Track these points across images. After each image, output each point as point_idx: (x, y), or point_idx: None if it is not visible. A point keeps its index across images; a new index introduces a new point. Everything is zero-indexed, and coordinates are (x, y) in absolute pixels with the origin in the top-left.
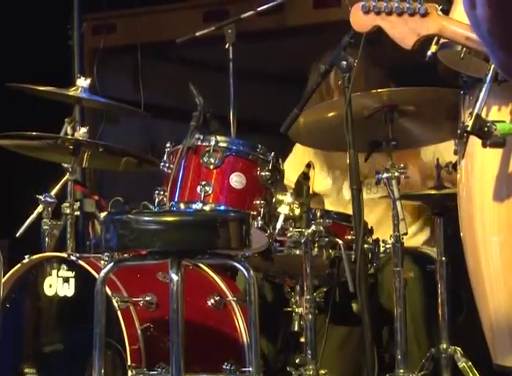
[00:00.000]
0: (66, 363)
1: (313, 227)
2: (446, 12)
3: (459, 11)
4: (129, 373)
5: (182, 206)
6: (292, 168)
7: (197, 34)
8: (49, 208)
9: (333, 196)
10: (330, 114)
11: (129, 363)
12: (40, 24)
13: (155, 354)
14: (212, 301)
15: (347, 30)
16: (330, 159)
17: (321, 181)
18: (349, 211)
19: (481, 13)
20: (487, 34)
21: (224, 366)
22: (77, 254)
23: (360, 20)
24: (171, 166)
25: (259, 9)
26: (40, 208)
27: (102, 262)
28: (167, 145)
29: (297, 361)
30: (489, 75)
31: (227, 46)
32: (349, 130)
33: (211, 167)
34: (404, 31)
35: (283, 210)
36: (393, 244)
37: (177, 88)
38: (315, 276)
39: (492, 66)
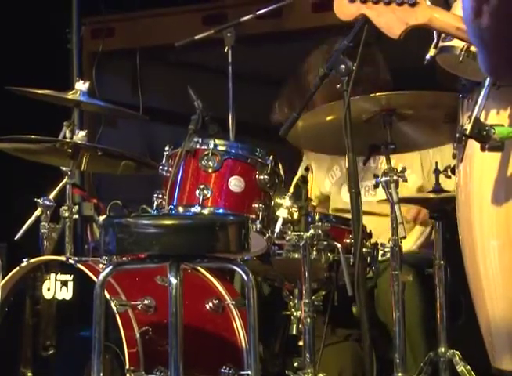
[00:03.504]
0: (64, 366)
1: (312, 231)
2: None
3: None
4: None
5: (181, 209)
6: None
7: (196, 37)
8: (48, 212)
9: (334, 196)
10: (329, 118)
11: (127, 366)
12: (39, 28)
13: (153, 357)
14: (211, 304)
15: (346, 34)
16: (336, 161)
17: (328, 183)
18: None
19: (486, 22)
20: (490, 40)
21: (222, 370)
22: (76, 258)
23: (344, 8)
24: (170, 169)
25: (258, 13)
26: (38, 212)
27: (101, 265)
28: (166, 148)
29: (295, 365)
30: (488, 79)
31: (226, 50)
32: (348, 134)
33: (210, 170)
34: (391, 20)
35: (282, 213)
36: (391, 248)
37: (176, 91)
38: (314, 280)
39: None
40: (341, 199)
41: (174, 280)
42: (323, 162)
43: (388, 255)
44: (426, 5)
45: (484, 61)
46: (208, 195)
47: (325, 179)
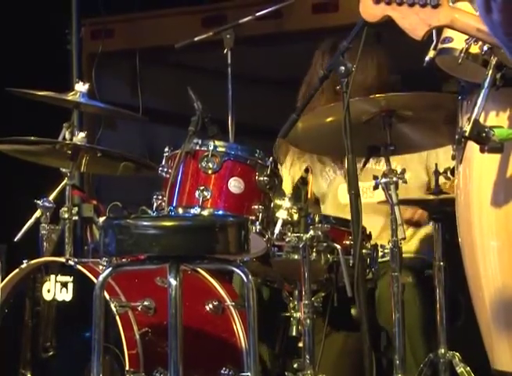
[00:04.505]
0: (64, 367)
1: (311, 232)
2: None
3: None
4: None
5: (181, 211)
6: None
7: (196, 39)
8: (47, 213)
9: (328, 200)
10: (329, 119)
11: (127, 367)
12: (38, 29)
13: (153, 359)
14: (210, 306)
15: (345, 35)
16: (325, 162)
17: (316, 184)
18: (346, 215)
19: (496, 18)
20: (503, 35)
21: (222, 372)
22: (76, 259)
23: (370, 10)
24: (170, 171)
25: (258, 14)
26: (38, 213)
27: (101, 266)
28: (166, 150)
29: (295, 366)
30: (487, 80)
31: (225, 51)
32: (347, 135)
33: (209, 172)
34: (415, 22)
35: (282, 215)
36: (391, 249)
37: (175, 92)
38: (314, 281)
39: (490, 72)
40: (337, 201)
41: (173, 282)
42: (315, 163)
43: (388, 257)
44: (448, 7)
45: (507, 53)
46: (208, 196)
47: (321, 180)
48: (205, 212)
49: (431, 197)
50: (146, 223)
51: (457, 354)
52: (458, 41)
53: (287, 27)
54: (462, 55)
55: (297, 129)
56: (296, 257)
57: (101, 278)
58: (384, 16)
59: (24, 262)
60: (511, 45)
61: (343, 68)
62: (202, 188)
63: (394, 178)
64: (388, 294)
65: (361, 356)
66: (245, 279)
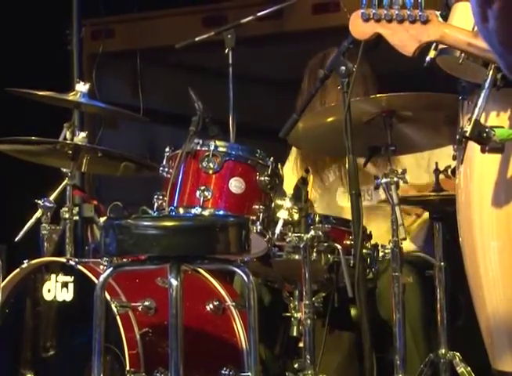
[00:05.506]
0: (64, 367)
1: (312, 232)
2: (444, 17)
3: (456, 18)
4: None
5: (181, 211)
6: (290, 176)
7: (197, 39)
8: (48, 213)
9: (324, 201)
10: (329, 120)
11: (128, 367)
12: (39, 29)
13: (154, 359)
14: (211, 306)
15: (346, 36)
16: (324, 164)
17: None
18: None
19: (492, 26)
20: (498, 44)
21: (222, 372)
22: (76, 259)
23: (360, 28)
24: (170, 171)
25: (259, 14)
26: (39, 213)
27: (102, 266)
28: (167, 150)
29: (295, 366)
30: (488, 81)
31: (226, 51)
32: (348, 135)
33: (210, 172)
34: (405, 38)
35: (282, 215)
36: (392, 250)
37: (176, 93)
38: (314, 281)
39: (491, 72)
40: (335, 204)
41: (174, 282)
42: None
43: (388, 256)
44: (438, 22)
45: (500, 63)
46: (209, 196)
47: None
48: (206, 212)
49: (432, 196)
50: (146, 223)
51: (458, 354)
52: None
53: (288, 27)
54: (462, 55)
55: (298, 129)
56: (296, 257)
57: (102, 278)
58: (374, 33)
59: (25, 262)
60: (506, 56)
61: (343, 68)
62: (203, 188)
63: (395, 179)
64: (388, 289)
65: (361, 355)
66: (246, 279)
